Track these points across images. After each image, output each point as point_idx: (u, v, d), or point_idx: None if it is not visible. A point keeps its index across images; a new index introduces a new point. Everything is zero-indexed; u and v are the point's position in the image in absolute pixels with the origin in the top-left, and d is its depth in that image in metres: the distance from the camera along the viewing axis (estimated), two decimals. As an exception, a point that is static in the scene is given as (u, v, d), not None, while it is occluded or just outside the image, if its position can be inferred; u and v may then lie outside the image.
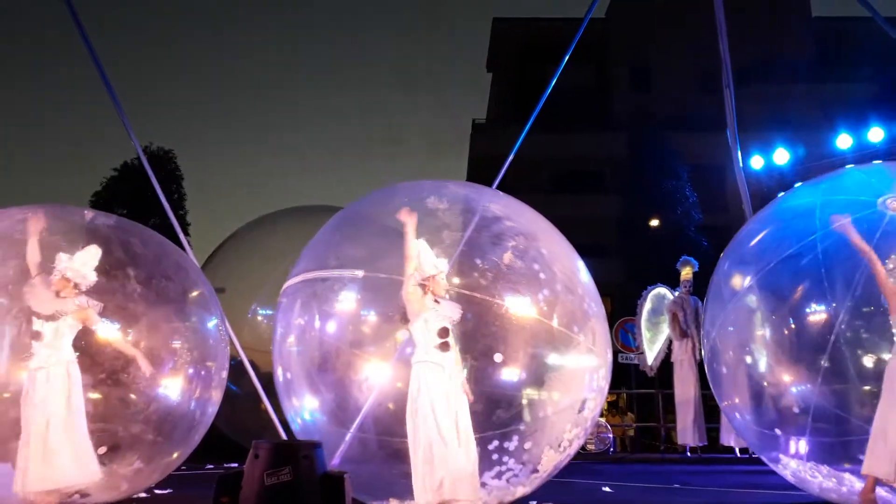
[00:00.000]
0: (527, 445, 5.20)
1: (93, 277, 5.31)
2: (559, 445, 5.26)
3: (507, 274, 5.31)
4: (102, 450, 5.28)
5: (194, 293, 6.16)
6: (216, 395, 6.15)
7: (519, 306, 5.28)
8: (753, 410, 5.95)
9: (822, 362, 5.59)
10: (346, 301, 5.56)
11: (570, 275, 5.61)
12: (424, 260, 5.04)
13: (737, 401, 6.07)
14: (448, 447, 4.70)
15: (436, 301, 4.97)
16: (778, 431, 5.75)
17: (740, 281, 6.10)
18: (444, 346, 4.89)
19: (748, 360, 5.97)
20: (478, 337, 5.24)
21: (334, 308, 5.57)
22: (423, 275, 4.99)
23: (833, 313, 5.62)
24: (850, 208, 5.55)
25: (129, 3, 64.15)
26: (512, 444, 5.20)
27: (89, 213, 6.11)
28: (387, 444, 5.25)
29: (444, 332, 4.91)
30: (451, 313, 5.00)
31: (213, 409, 6.15)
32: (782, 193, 6.71)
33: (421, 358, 4.91)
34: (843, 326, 5.56)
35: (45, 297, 5.16)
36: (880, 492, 5.14)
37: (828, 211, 5.61)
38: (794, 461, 5.73)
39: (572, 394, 5.37)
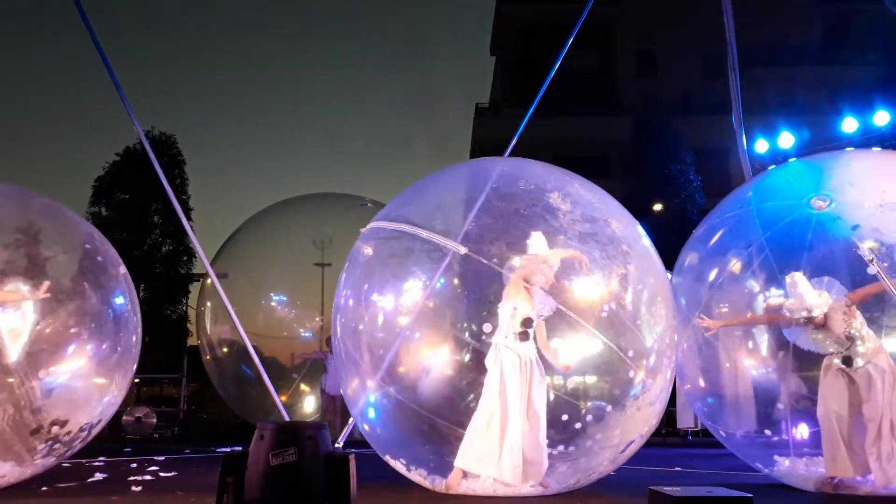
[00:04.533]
0: (562, 469, 5.19)
1: None
2: (590, 475, 5.22)
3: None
4: None
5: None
6: None
7: (602, 331, 5.21)
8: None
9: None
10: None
11: (669, 335, 5.50)
12: (537, 248, 5.07)
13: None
14: (507, 428, 4.84)
15: (527, 290, 5.00)
16: (768, 432, 5.82)
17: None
18: (524, 336, 4.99)
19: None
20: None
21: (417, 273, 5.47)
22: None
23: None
24: (781, 212, 5.79)
25: (131, -14, 63.77)
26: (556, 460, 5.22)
27: None
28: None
29: (526, 322, 5.00)
30: (544, 308, 5.06)
31: None
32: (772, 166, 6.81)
33: (500, 341, 5.03)
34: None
35: None
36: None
37: (761, 217, 5.84)
38: (787, 459, 5.76)
39: (623, 433, 5.26)
